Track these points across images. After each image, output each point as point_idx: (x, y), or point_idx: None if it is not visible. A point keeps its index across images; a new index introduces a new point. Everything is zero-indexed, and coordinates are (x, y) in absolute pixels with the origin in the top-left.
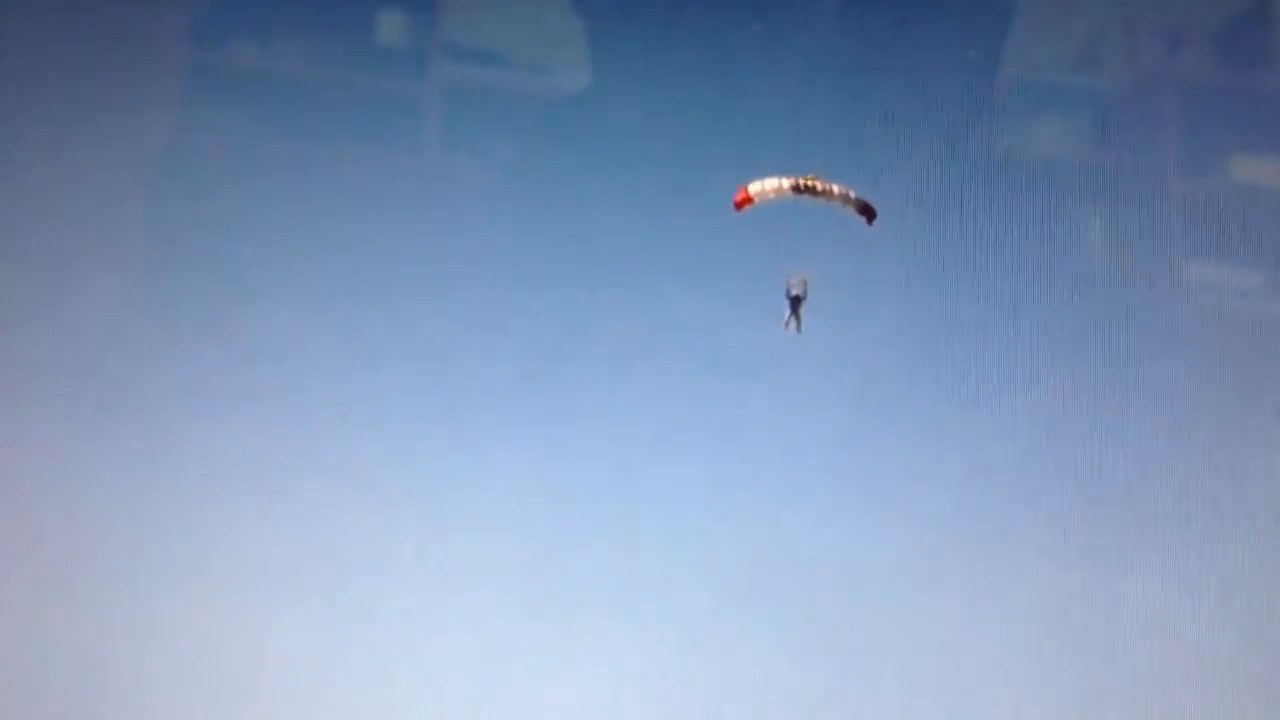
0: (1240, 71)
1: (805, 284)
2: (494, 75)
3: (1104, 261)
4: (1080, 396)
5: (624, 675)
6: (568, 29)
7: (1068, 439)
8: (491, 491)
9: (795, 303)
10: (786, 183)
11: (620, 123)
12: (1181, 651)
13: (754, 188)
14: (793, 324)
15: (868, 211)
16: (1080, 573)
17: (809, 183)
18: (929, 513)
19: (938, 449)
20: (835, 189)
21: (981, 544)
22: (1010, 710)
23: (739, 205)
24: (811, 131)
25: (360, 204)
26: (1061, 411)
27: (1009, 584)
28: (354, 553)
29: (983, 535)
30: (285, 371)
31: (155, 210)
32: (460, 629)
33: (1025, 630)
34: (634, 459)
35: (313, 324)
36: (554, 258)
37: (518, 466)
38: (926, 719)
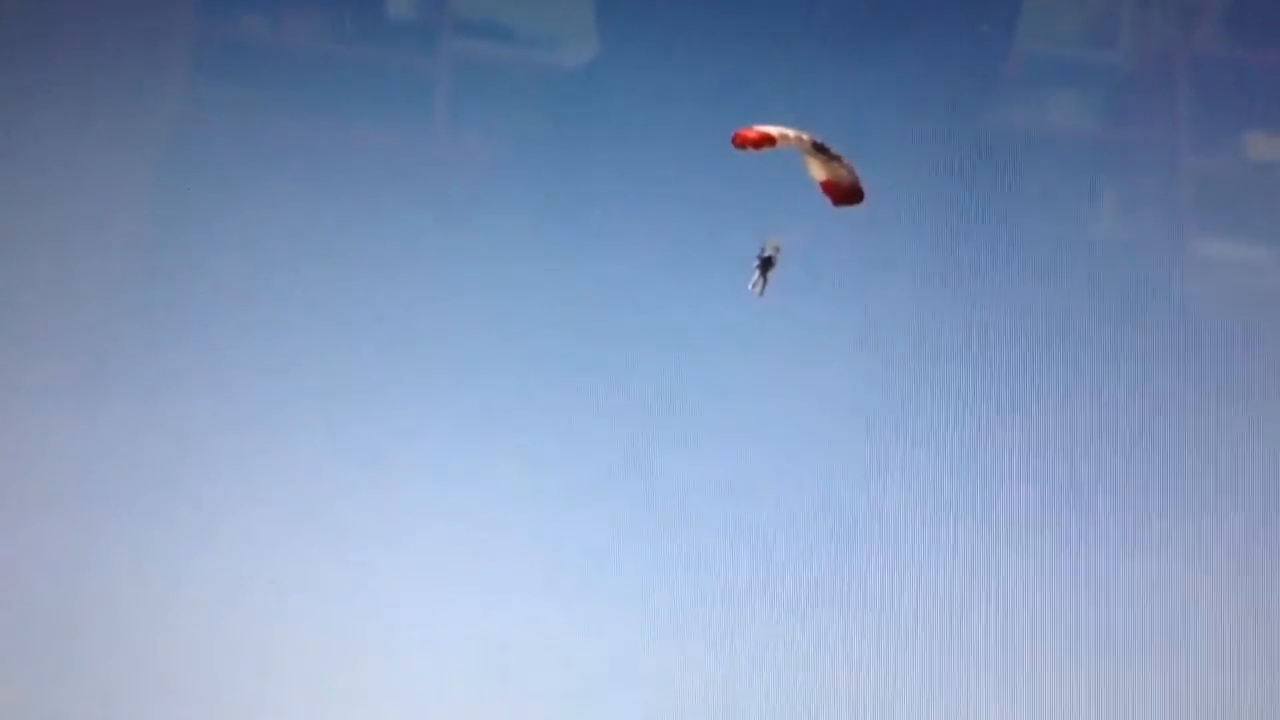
0: (1261, 45)
1: (778, 249)
2: (505, 48)
3: (1113, 239)
4: (1093, 379)
5: (628, 670)
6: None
7: (1079, 423)
8: (507, 478)
9: (766, 265)
10: (807, 136)
11: (636, 97)
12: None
13: (771, 129)
14: (759, 286)
15: (854, 194)
16: (1093, 565)
17: (825, 144)
18: (947, 501)
19: (945, 435)
20: (843, 157)
21: (993, 535)
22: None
23: (752, 144)
24: (823, 104)
25: (373, 181)
26: (1073, 395)
27: (1009, 581)
28: (358, 542)
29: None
30: (294, 352)
31: (163, 188)
32: (461, 622)
33: (1041, 623)
34: (654, 441)
35: (320, 306)
36: (570, 237)
37: (534, 452)
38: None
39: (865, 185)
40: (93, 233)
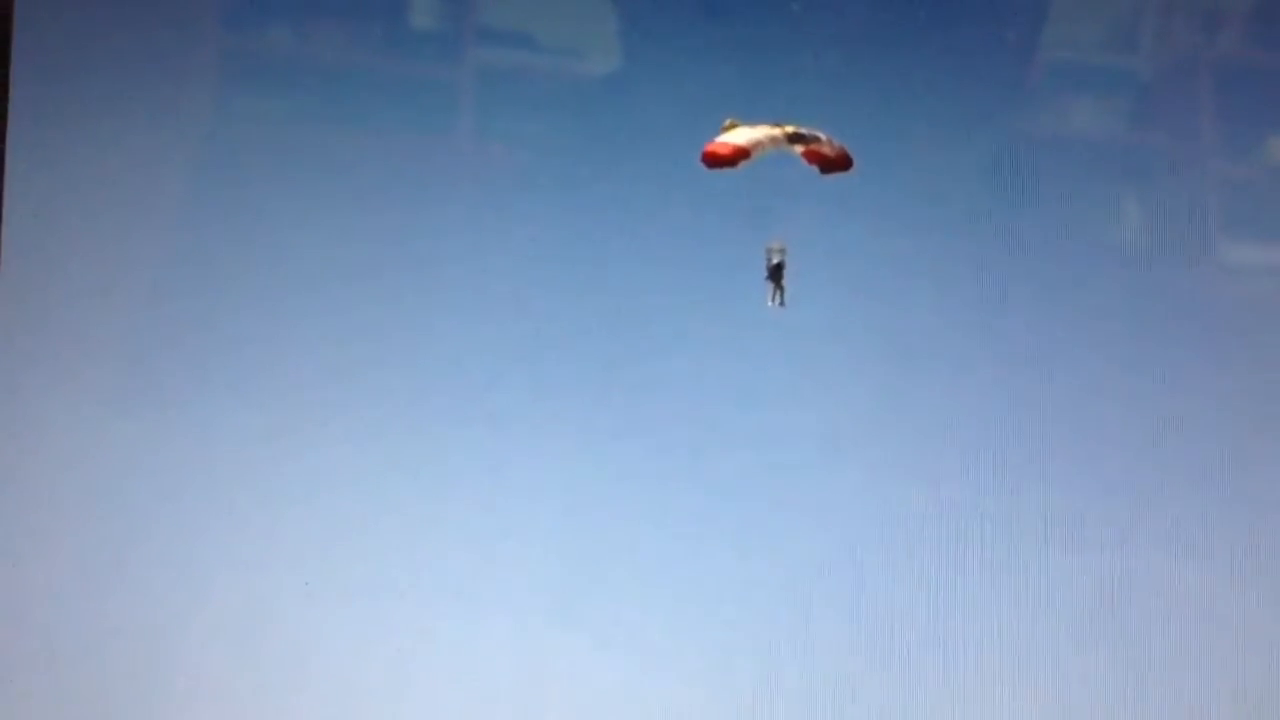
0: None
1: (784, 250)
2: (529, 58)
3: (1138, 245)
4: (1113, 386)
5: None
6: (600, 9)
7: (1104, 429)
8: (531, 486)
9: (776, 272)
10: (778, 131)
11: (660, 105)
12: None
13: (741, 139)
14: (777, 298)
15: (841, 161)
16: (1120, 568)
17: (800, 130)
18: (953, 504)
19: (963, 438)
20: (822, 135)
21: (1002, 538)
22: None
23: (725, 161)
24: (848, 111)
25: (400, 192)
26: (1091, 402)
27: (1030, 581)
28: (368, 549)
29: (1005, 528)
30: (324, 362)
31: (188, 196)
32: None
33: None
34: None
35: (348, 317)
36: (594, 249)
37: (557, 461)
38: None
39: (887, 192)
40: (123, 244)
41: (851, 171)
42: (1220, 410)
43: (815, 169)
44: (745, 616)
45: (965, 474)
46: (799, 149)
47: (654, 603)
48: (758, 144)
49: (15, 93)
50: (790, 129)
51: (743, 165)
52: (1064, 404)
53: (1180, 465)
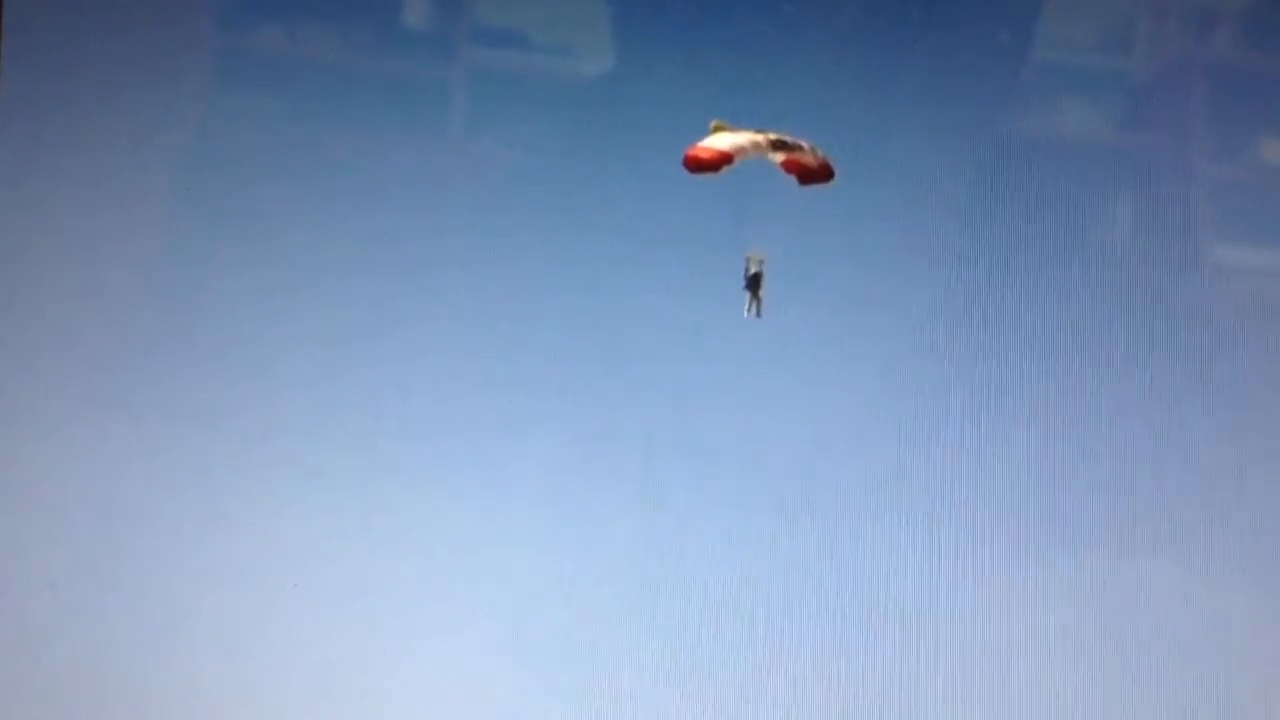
0: (1273, 51)
1: (763, 262)
2: (522, 58)
3: (1133, 246)
4: (1104, 391)
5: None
6: (595, 9)
7: (1087, 435)
8: (528, 489)
9: (754, 282)
10: (761, 137)
11: (653, 107)
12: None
13: (724, 143)
14: (754, 308)
15: (822, 173)
16: (1118, 570)
17: (784, 138)
18: (955, 513)
19: (962, 441)
20: (804, 144)
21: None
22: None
23: (707, 165)
24: (842, 113)
25: (392, 192)
26: (1083, 406)
27: (1018, 587)
28: (361, 554)
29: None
30: (317, 362)
31: (179, 198)
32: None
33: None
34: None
35: (340, 318)
36: (589, 250)
37: (551, 463)
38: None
39: (876, 196)
40: (114, 245)
41: (832, 183)
42: (1217, 412)
43: (794, 179)
44: (734, 620)
45: (954, 478)
46: (780, 157)
47: (642, 605)
48: (740, 149)
49: (4, 91)
50: (774, 135)
51: (725, 170)
52: (1053, 409)
53: (1173, 470)
